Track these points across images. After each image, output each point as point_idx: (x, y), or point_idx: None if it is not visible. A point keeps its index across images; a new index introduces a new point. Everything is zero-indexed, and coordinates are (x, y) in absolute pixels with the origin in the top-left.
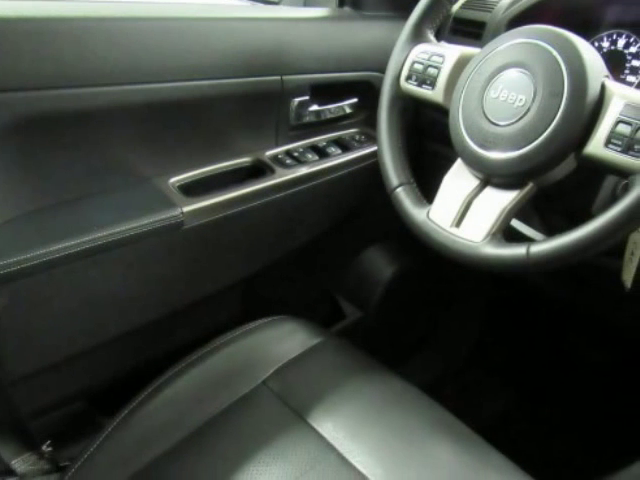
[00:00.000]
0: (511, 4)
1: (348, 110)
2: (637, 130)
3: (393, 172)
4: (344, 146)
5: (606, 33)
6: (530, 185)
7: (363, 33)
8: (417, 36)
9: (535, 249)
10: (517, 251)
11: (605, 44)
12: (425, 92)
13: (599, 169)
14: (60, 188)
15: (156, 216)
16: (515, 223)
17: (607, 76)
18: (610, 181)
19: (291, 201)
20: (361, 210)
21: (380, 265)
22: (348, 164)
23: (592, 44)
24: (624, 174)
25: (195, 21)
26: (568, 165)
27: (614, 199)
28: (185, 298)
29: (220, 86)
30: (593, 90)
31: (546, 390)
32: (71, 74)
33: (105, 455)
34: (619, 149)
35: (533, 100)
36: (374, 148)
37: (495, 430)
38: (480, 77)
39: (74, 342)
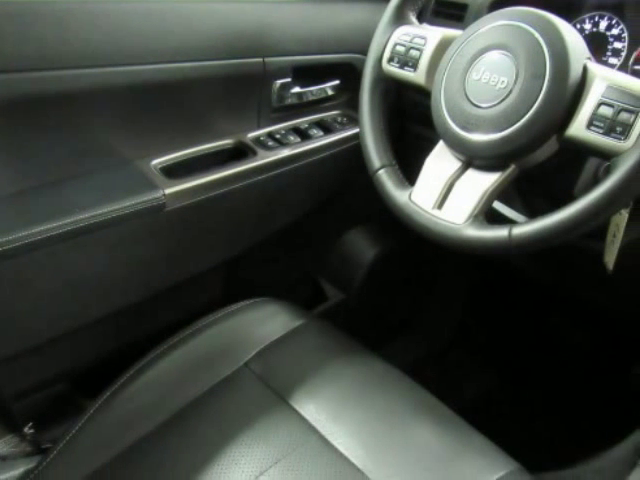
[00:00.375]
0: None
1: (330, 92)
2: (619, 112)
3: (375, 154)
4: (326, 128)
5: (588, 15)
6: (512, 167)
7: (345, 15)
8: (399, 18)
9: (517, 231)
10: (499, 233)
11: (587, 26)
12: (407, 74)
13: (581, 151)
14: (42, 170)
15: (138, 198)
16: (497, 205)
17: (589, 58)
18: (592, 163)
19: (273, 183)
20: (343, 192)
21: (362, 247)
22: (330, 146)
23: (574, 26)
24: (606, 156)
25: (177, 3)
26: (550, 147)
27: (596, 181)
28: (167, 280)
29: (202, 68)
30: (575, 72)
31: (528, 372)
32: (53, 56)
33: (87, 437)
34: (601, 131)
35: (515, 82)
36: (356, 130)
37: (477, 412)
38: (462, 59)
39: (56, 324)
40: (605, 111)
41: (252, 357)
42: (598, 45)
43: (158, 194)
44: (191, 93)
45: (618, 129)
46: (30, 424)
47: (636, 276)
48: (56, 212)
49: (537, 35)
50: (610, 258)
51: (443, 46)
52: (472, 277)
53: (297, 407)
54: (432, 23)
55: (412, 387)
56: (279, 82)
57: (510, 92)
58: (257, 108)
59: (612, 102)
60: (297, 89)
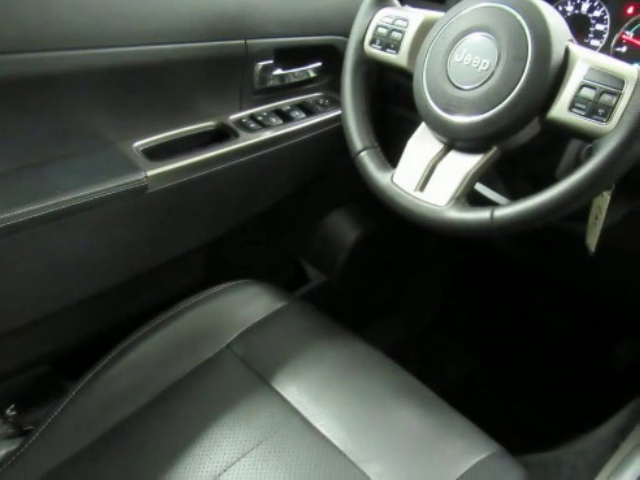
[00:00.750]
0: None
1: (312, 74)
2: (601, 94)
3: (357, 136)
4: (308, 110)
5: None
6: (494, 149)
7: None
8: (381, 0)
9: (499, 213)
10: (481, 215)
11: (569, 8)
12: (389, 56)
13: (563, 133)
14: (24, 152)
15: (120, 180)
16: (479, 187)
17: (571, 40)
18: (574, 145)
19: (255, 165)
20: (325, 174)
21: (344, 229)
22: (312, 128)
23: (556, 8)
24: (588, 138)
25: None
26: (532, 129)
27: (578, 163)
28: (149, 262)
29: (184, 50)
30: (557, 54)
31: (510, 354)
32: (35, 38)
33: (69, 419)
34: (583, 113)
35: (497, 64)
36: (338, 112)
37: (459, 394)
38: (444, 41)
39: (38, 306)
40: (587, 93)
41: (234, 339)
42: (580, 27)
43: (140, 176)
44: (173, 75)
45: (600, 111)
46: (12, 406)
47: (618, 258)
48: (38, 194)
49: (519, 17)
50: (592, 240)
51: (425, 28)
52: (454, 259)
53: (279, 389)
54: (414, 5)
55: (394, 369)
56: (261, 64)
57: (492, 74)
58: (239, 90)
59: (594, 84)
60: (279, 71)
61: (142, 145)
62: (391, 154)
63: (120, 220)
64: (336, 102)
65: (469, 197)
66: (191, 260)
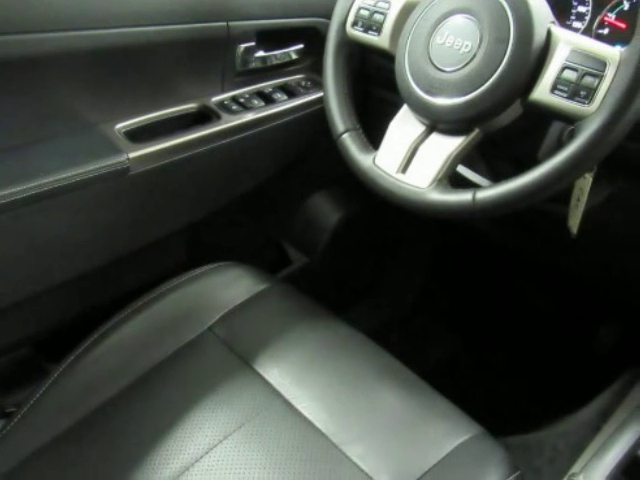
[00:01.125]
0: None
1: (294, 56)
2: (583, 76)
3: (339, 118)
4: (290, 92)
5: None
6: (476, 131)
7: None
8: None
9: (481, 195)
10: (463, 197)
11: None
12: (371, 38)
13: (545, 115)
14: (6, 134)
15: (102, 162)
16: (461, 169)
17: (553, 22)
18: (556, 127)
19: (237, 147)
20: (307, 156)
21: (326, 211)
22: (294, 110)
23: None
24: (570, 120)
25: None
26: (514, 111)
27: (560, 145)
28: (131, 244)
29: (166, 32)
30: (539, 36)
31: (492, 336)
32: (16, 20)
33: (51, 401)
34: (565, 95)
35: (479, 46)
36: (320, 94)
37: (441, 376)
38: (426, 23)
39: (20, 288)
40: (569, 75)
41: (216, 321)
42: (562, 9)
43: (122, 158)
44: (155, 57)
45: (582, 93)
46: None
47: (600, 240)
48: (20, 176)
49: None
50: (574, 222)
51: (407, 10)
52: (436, 241)
53: (261, 371)
54: None
55: (376, 351)
56: (243, 46)
57: (474, 56)
58: (221, 72)
59: (576, 66)
60: (261, 53)
61: (124, 127)
62: (373, 136)
63: (102, 202)
64: (318, 84)
65: (451, 179)
66: (173, 242)
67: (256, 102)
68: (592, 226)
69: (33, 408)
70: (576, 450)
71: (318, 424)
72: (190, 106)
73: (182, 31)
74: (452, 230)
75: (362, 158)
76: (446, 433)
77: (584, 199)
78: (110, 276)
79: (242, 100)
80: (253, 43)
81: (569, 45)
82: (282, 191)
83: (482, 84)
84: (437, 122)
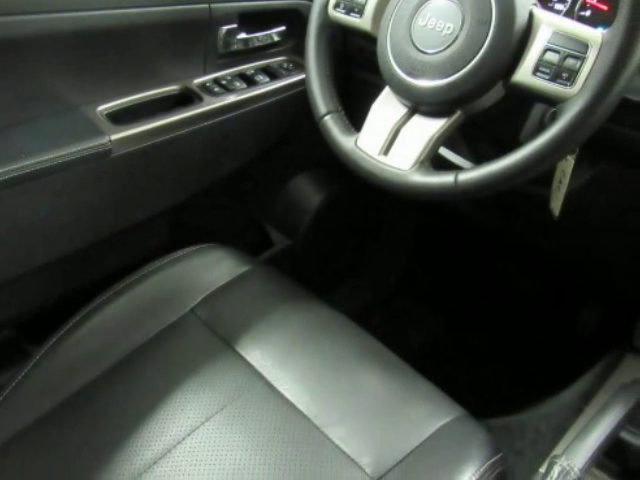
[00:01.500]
0: None
1: (276, 38)
2: (565, 58)
3: (321, 100)
4: (272, 74)
5: None
6: (458, 113)
7: None
8: None
9: (463, 177)
10: (445, 179)
11: None
12: (353, 20)
13: (527, 97)
14: None
15: (84, 144)
16: (443, 151)
17: (535, 4)
18: (538, 109)
19: (219, 129)
20: (289, 138)
21: (308, 193)
22: (276, 92)
23: None
24: (552, 102)
25: None
26: (496, 93)
27: (542, 127)
28: (113, 226)
29: (148, 14)
30: (521, 18)
31: (474, 318)
32: None
33: (33, 383)
34: (547, 77)
35: (461, 28)
36: (302, 76)
37: (423, 358)
38: (408, 5)
39: (1, 270)
40: (551, 57)
41: (198, 303)
42: None
43: (104, 140)
44: (137, 39)
45: (564, 75)
46: None
47: (582, 222)
48: (2, 158)
49: None
50: (556, 204)
51: None
52: (418, 223)
53: (243, 353)
54: None
55: (358, 333)
56: (225, 28)
57: (456, 38)
58: (203, 54)
59: (558, 48)
60: (243, 35)
61: (106, 109)
62: (355, 118)
63: (84, 184)
64: (300, 66)
65: (433, 161)
66: (155, 224)
67: (238, 84)
68: (574, 208)
69: (15, 390)
70: (558, 432)
71: (300, 406)
72: (172, 88)
73: (164, 13)
74: (434, 212)
75: (344, 140)
76: (428, 415)
77: (566, 181)
78: (92, 258)
79: (224, 82)
80: (235, 25)
81: (551, 27)
82: (264, 173)
83: (464, 66)
84: (419, 104)
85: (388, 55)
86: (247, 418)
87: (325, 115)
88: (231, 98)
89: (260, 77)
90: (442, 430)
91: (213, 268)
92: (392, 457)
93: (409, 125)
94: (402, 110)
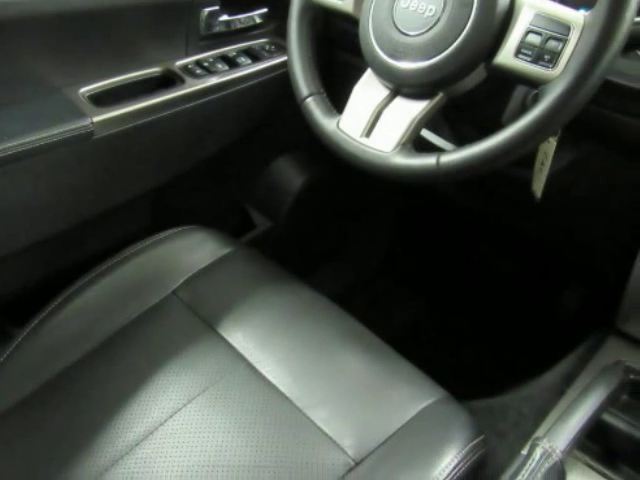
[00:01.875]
0: None
1: (258, 20)
2: (547, 40)
3: (303, 82)
4: (254, 56)
5: None
6: (440, 95)
7: None
8: None
9: (445, 159)
10: (427, 161)
11: None
12: (335, 2)
13: (509, 79)
14: None
15: (66, 126)
16: (425, 133)
17: None
18: (520, 91)
19: (201, 111)
20: (271, 120)
21: (290, 175)
22: (258, 74)
23: None
24: (534, 84)
25: None
26: (478, 75)
27: (524, 109)
28: (95, 208)
29: None
30: (503, 0)
31: (456, 300)
32: None
33: (15, 365)
34: (529, 59)
35: (443, 10)
36: (284, 58)
37: (405, 340)
38: None
39: None
40: (533, 39)
41: (180, 285)
42: None
43: (86, 122)
44: (119, 21)
45: (546, 57)
46: None
47: (564, 204)
48: None
49: None
50: (538, 186)
51: None
52: (400, 205)
53: (225, 335)
54: None
55: (340, 315)
56: (207, 10)
57: (438, 20)
58: (185, 36)
59: (540, 30)
60: (225, 17)
61: (88, 91)
62: (337, 100)
63: (66, 166)
64: (282, 48)
65: (415, 143)
66: (137, 206)
67: (220, 66)
68: (556, 190)
69: None
70: (540, 414)
71: (282, 388)
72: (154, 70)
73: None
74: (416, 194)
75: (326, 122)
76: (410, 397)
77: (548, 163)
78: (74, 240)
79: (206, 64)
80: (217, 7)
81: (533, 9)
82: (246, 155)
83: (446, 48)
84: (401, 86)
85: (370, 37)
86: (229, 400)
87: (307, 97)
88: (213, 80)
89: (242, 59)
90: (424, 412)
91: (195, 250)
92: (374, 439)
93: (391, 107)
94: (384, 92)
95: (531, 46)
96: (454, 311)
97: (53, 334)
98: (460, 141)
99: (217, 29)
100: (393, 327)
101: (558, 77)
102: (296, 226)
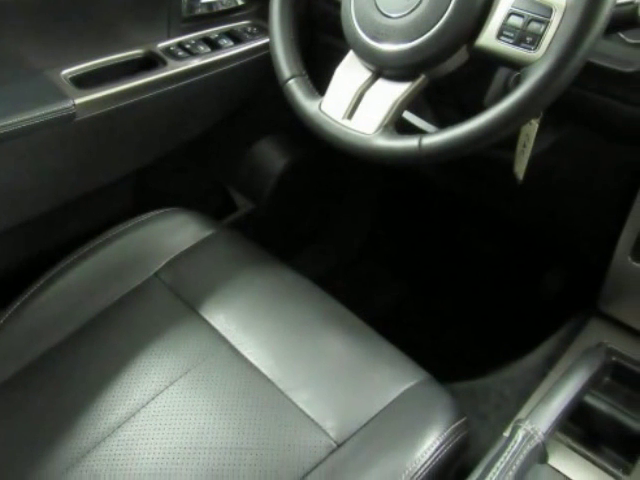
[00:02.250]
0: None
1: (240, 2)
2: (529, 22)
3: (285, 64)
4: (236, 38)
5: None
6: (422, 77)
7: None
8: None
9: (427, 141)
10: (409, 143)
11: None
12: None
13: (491, 61)
14: None
15: (48, 108)
16: (407, 115)
17: None
18: (502, 73)
19: (183, 93)
20: (253, 102)
21: (272, 157)
22: (240, 56)
23: None
24: (516, 66)
25: None
26: (460, 57)
27: (506, 91)
28: (77, 190)
29: None
30: None
31: (438, 282)
32: None
33: None
34: (511, 41)
35: None
36: (266, 40)
37: (387, 322)
38: None
39: None
40: (515, 21)
41: (162, 267)
42: None
43: (68, 104)
44: (101, 3)
45: (528, 39)
46: None
47: (545, 186)
48: None
49: None
50: (520, 168)
51: None
52: (382, 187)
53: (207, 317)
54: None
55: (322, 297)
56: None
57: (420, 2)
58: (167, 18)
59: (522, 12)
60: None
61: (70, 73)
62: (319, 82)
63: (48, 148)
64: (264, 30)
65: (397, 125)
66: (119, 188)
67: (202, 48)
68: (538, 172)
69: None
70: (522, 396)
71: (264, 370)
72: (136, 52)
73: None
74: (398, 176)
75: (308, 104)
76: (392, 379)
77: (530, 145)
78: (56, 222)
79: (188, 46)
80: None
81: None
82: (228, 137)
83: (428, 30)
84: (383, 68)
85: (352, 19)
86: (211, 382)
87: (289, 79)
88: (195, 62)
89: (224, 41)
90: (406, 394)
91: (177, 232)
92: (356, 421)
93: (373, 89)
94: (366, 74)
95: (513, 28)
96: (436, 293)
97: (35, 316)
98: (442, 123)
99: (199, 11)
100: (375, 309)
101: (540, 59)
102: (278, 208)
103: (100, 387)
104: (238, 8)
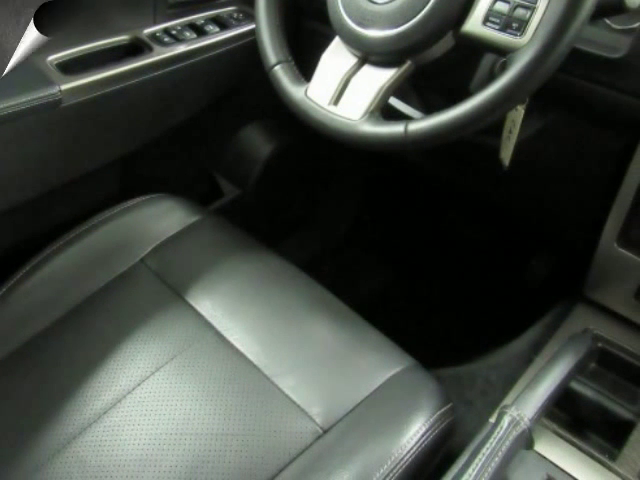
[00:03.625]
0: None
1: None
2: (515, 8)
3: (271, 50)
4: (222, 24)
5: None
6: (408, 63)
7: None
8: None
9: (413, 127)
10: (395, 129)
11: None
12: None
13: (477, 47)
14: None
15: (34, 94)
16: (394, 101)
17: None
18: (488, 59)
19: (169, 79)
20: (239, 88)
21: (258, 143)
22: (226, 42)
23: None
24: (502, 52)
25: None
26: (446, 43)
27: (492, 77)
28: (63, 176)
29: None
30: None
31: (424, 267)
32: None
33: None
34: (497, 27)
35: None
36: (252, 26)
37: (373, 308)
38: None
39: None
40: (501, 7)
41: (148, 253)
42: None
43: (54, 90)
44: None
45: (514, 25)
46: None
47: (531, 172)
48: None
49: None
50: (506, 154)
51: None
52: (368, 173)
53: (193, 303)
54: None
55: (308, 283)
56: None
57: None
58: (153, 4)
59: None
60: None
61: (56, 59)
62: (305, 68)
63: (34, 134)
64: (250, 16)
65: (383, 111)
66: (105, 174)
67: (188, 34)
68: (524, 158)
69: None
70: (508, 382)
71: (250, 356)
72: (122, 38)
73: None
74: (384, 162)
75: (294, 90)
76: (378, 365)
77: (516, 131)
78: (42, 208)
79: (174, 32)
80: None
81: None
82: (214, 123)
83: (414, 16)
84: (369, 54)
85: (338, 5)
86: (197, 368)
87: (275, 65)
88: (181, 48)
89: (210, 27)
90: (392, 380)
91: (163, 218)
92: (342, 407)
93: (359, 75)
94: (352, 60)
95: (499, 14)
96: (422, 279)
97: (21, 302)
98: (428, 109)
99: None
100: (361, 295)
101: (526, 45)
102: (264, 194)
103: (86, 373)
104: None
